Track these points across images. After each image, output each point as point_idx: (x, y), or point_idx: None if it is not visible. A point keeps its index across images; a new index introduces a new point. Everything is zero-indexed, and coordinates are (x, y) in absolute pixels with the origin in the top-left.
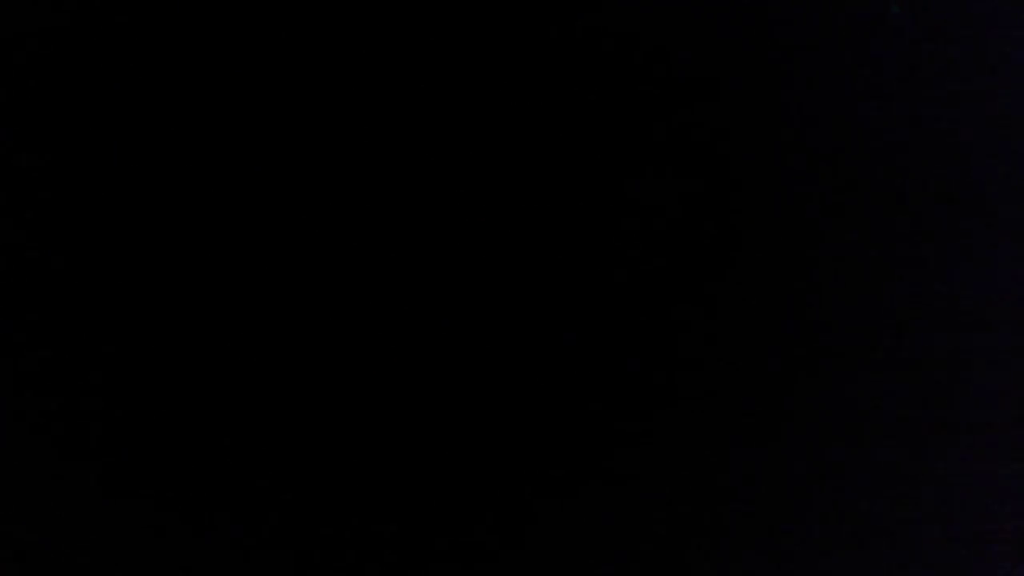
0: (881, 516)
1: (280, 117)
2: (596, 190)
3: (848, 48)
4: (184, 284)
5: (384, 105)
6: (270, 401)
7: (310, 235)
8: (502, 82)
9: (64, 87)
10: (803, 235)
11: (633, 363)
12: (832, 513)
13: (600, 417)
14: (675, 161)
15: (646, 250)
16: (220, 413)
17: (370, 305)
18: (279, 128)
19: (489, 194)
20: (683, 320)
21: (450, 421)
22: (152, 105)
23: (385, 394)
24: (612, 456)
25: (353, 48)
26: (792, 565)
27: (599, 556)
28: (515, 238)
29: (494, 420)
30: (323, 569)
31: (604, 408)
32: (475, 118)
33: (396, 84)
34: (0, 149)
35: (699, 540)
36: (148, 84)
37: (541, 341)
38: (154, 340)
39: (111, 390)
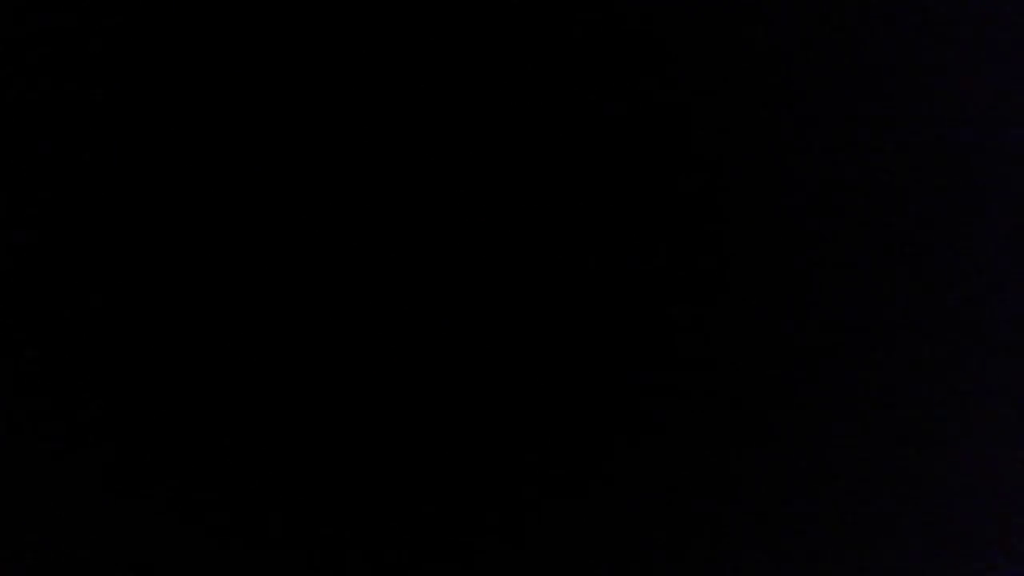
0: (881, 516)
1: (280, 118)
2: (596, 190)
3: (848, 48)
4: (184, 284)
5: (384, 105)
6: (270, 401)
7: (309, 235)
8: (501, 82)
9: (64, 87)
10: (802, 235)
11: (633, 363)
12: (832, 513)
13: (600, 417)
14: (675, 161)
15: (646, 250)
16: (220, 413)
17: (370, 305)
18: (279, 129)
19: (489, 194)
20: (683, 320)
21: (450, 421)
22: (152, 106)
23: (385, 394)
24: (612, 456)
25: (353, 48)
26: (792, 565)
27: (599, 556)
28: (516, 238)
29: (493, 420)
30: (323, 569)
31: (604, 408)
32: (474, 118)
33: (396, 84)
34: (0, 149)
35: (699, 540)
36: (148, 84)
37: (541, 341)
38: (154, 340)
39: (111, 390)
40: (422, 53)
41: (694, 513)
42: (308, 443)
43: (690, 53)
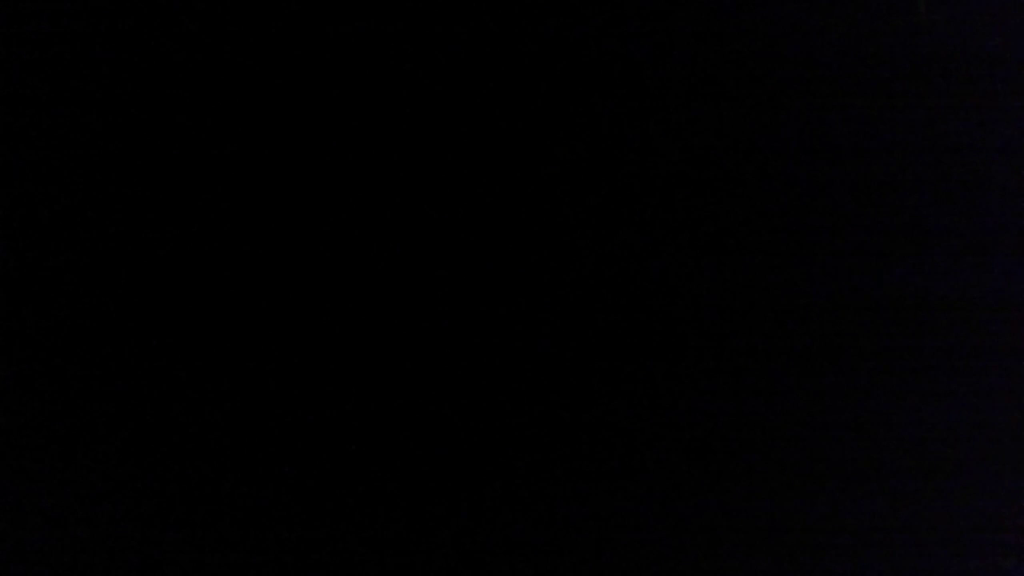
0: (880, 516)
1: (280, 118)
2: (596, 190)
3: (848, 48)
4: (184, 285)
5: (383, 105)
6: (271, 401)
7: (309, 237)
8: (501, 82)
9: (64, 87)
10: (802, 234)
11: (633, 363)
12: (832, 513)
13: (600, 417)
14: (674, 160)
15: (646, 250)
16: (220, 413)
17: (370, 306)
18: (279, 129)
19: (489, 194)
20: (683, 319)
21: (450, 422)
22: (152, 106)
23: (385, 395)
24: (611, 456)
25: (353, 48)
26: (792, 565)
27: (599, 556)
28: (517, 239)
29: (493, 420)
30: (323, 569)
31: (603, 408)
32: (473, 118)
33: (395, 84)
34: (0, 149)
35: (698, 540)
36: (148, 84)
37: (540, 341)
38: (154, 340)
39: (111, 390)
40: (422, 53)
41: (693, 513)
42: (308, 444)
43: (690, 53)
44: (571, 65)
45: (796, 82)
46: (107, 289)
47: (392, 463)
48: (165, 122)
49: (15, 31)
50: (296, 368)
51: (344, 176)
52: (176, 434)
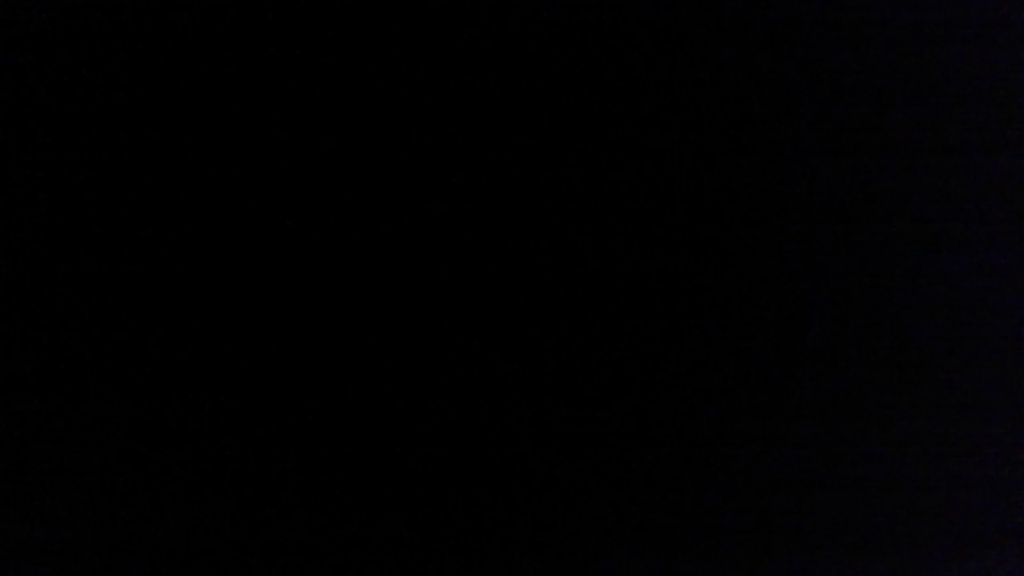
0: (881, 515)
1: (279, 118)
2: (596, 190)
3: (848, 48)
4: (184, 285)
5: (383, 106)
6: (271, 402)
7: (309, 236)
8: (500, 82)
9: (64, 87)
10: (802, 234)
11: (633, 362)
12: (832, 513)
13: (600, 418)
14: (674, 160)
15: (646, 249)
16: (220, 413)
17: (370, 306)
18: (278, 129)
19: (489, 194)
20: (683, 319)
21: (450, 423)
22: (151, 106)
23: (386, 395)
24: (611, 456)
25: (352, 48)
26: (792, 564)
27: (598, 556)
28: (518, 239)
29: (492, 421)
30: (323, 569)
31: (603, 409)
32: (472, 118)
33: (395, 84)
34: (0, 149)
35: (698, 540)
36: (148, 84)
37: (540, 341)
38: (154, 340)
39: (111, 390)
40: (422, 53)
41: (693, 513)
42: (309, 445)
43: (690, 52)
44: (571, 65)
45: (796, 82)
46: (106, 289)
47: (392, 463)
48: (164, 122)
49: (15, 31)
50: (295, 368)
51: (343, 176)
52: (176, 434)
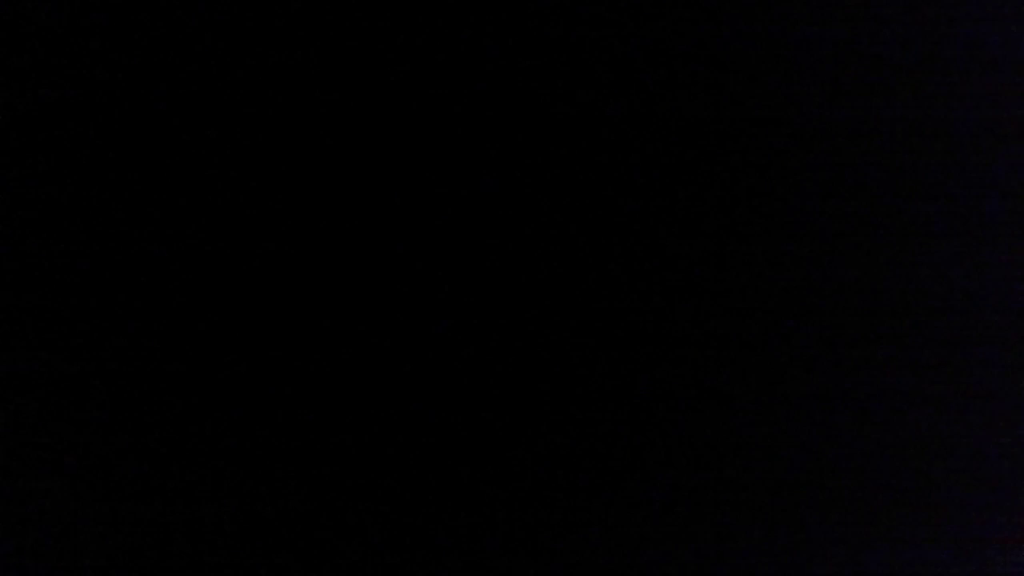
0: (880, 516)
1: (279, 118)
2: (596, 190)
3: (848, 48)
4: (183, 285)
5: (383, 106)
6: (271, 402)
7: (308, 236)
8: (501, 82)
9: (64, 88)
10: (802, 234)
11: (633, 362)
12: (832, 512)
13: (599, 417)
14: (674, 160)
15: (646, 248)
16: (220, 414)
17: (370, 307)
18: (278, 129)
19: (489, 194)
20: (683, 318)
21: (451, 423)
22: (151, 106)
23: (386, 396)
24: (611, 457)
25: (352, 48)
26: (792, 564)
27: (598, 556)
28: (519, 239)
29: (492, 421)
30: (323, 570)
31: (603, 408)
32: (471, 118)
33: (395, 84)
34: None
35: (698, 540)
36: (148, 84)
37: (539, 341)
38: (154, 341)
39: (110, 390)
40: (422, 53)
41: (693, 513)
42: (309, 445)
43: (689, 52)
44: (570, 64)
45: (796, 82)
46: (105, 289)
47: (392, 463)
48: (163, 121)
49: (15, 31)
50: (295, 368)
51: (342, 176)
52: (175, 434)
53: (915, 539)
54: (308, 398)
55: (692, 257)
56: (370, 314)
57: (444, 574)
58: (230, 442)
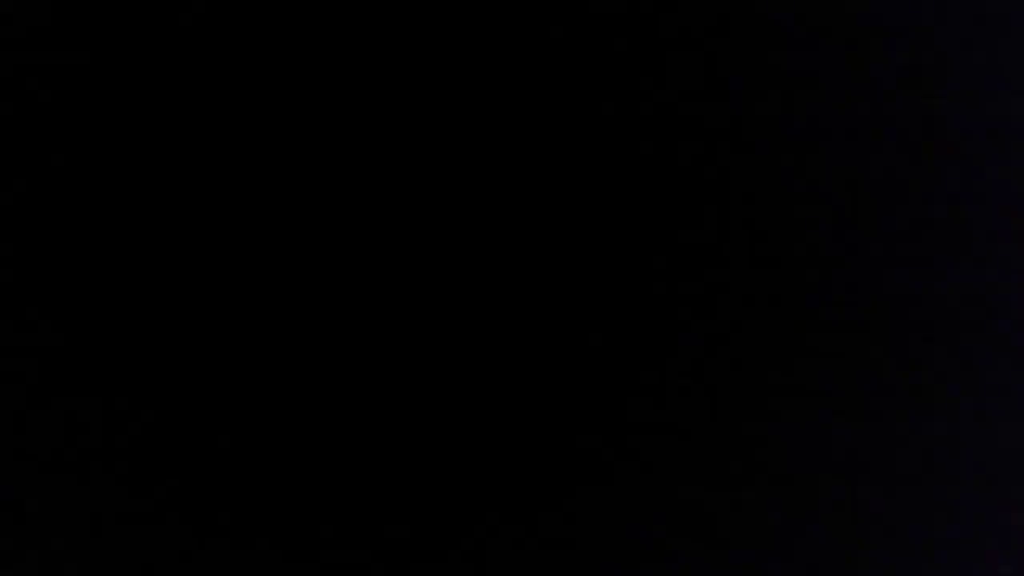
0: (882, 515)
1: (279, 118)
2: (597, 190)
3: (848, 48)
4: (184, 285)
5: (383, 106)
6: (272, 402)
7: (308, 236)
8: (501, 82)
9: (64, 87)
10: (802, 234)
11: (634, 362)
12: (833, 512)
13: (599, 418)
14: (674, 160)
15: (647, 248)
16: (220, 414)
17: (370, 307)
18: (278, 129)
19: (489, 194)
20: (684, 318)
21: (448, 423)
22: (151, 106)
23: (387, 396)
24: (611, 457)
25: (352, 48)
26: (793, 563)
27: (598, 556)
28: (520, 238)
29: (492, 421)
30: (324, 570)
31: (602, 409)
32: (472, 117)
33: (395, 84)
34: (1, 150)
35: (699, 540)
36: (148, 84)
37: (540, 342)
38: (154, 341)
39: (111, 390)
40: (422, 53)
41: (693, 513)
42: (310, 446)
43: (689, 52)
44: (570, 64)
45: (796, 82)
46: (107, 289)
47: (391, 464)
48: (163, 121)
49: (14, 31)
50: (296, 368)
51: (343, 176)
52: (175, 434)
53: (915, 542)
54: (308, 398)
55: (692, 257)
56: (370, 314)
57: (444, 574)
58: (230, 442)
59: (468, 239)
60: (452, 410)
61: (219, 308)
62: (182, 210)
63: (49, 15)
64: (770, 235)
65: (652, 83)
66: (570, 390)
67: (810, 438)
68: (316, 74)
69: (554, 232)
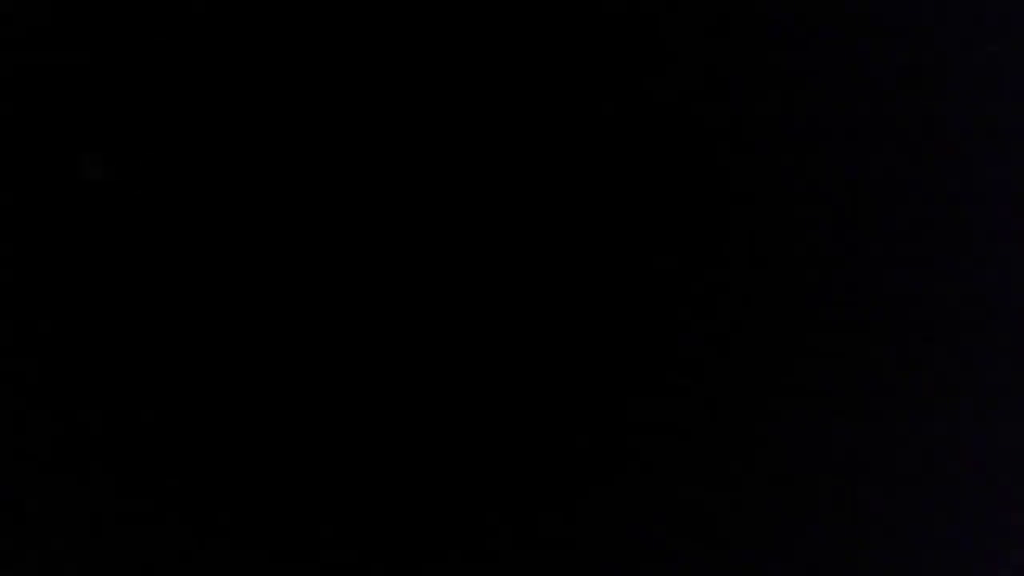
0: (882, 515)
1: (279, 118)
2: (597, 191)
3: (848, 48)
4: (184, 285)
5: (383, 106)
6: (271, 402)
7: (309, 236)
8: (500, 82)
9: (64, 87)
10: (803, 235)
11: (636, 362)
12: (833, 512)
13: (601, 418)
14: (674, 161)
15: (648, 248)
16: (220, 414)
17: (371, 307)
18: (278, 129)
19: (490, 194)
20: (685, 319)
21: (451, 423)
22: (150, 105)
23: (387, 396)
24: (611, 457)
25: (352, 48)
26: (794, 563)
27: (601, 556)
28: (520, 238)
29: (493, 421)
30: (324, 569)
31: (603, 409)
32: (472, 117)
33: (395, 84)
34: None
35: (699, 540)
36: (148, 84)
37: (541, 342)
38: (154, 340)
39: (110, 390)
40: (422, 53)
41: (694, 512)
42: (310, 446)
43: (690, 51)
44: (570, 64)
45: (796, 82)
46: (107, 289)
47: (391, 464)
48: (164, 120)
49: (14, 31)
50: (296, 368)
51: (343, 176)
52: (174, 434)
53: (915, 542)
54: (308, 397)
55: (692, 257)
56: (370, 313)
57: (444, 574)
58: (230, 442)
59: (468, 239)
60: (452, 410)
61: (219, 308)
62: (182, 210)
63: (49, 15)
64: (770, 235)
65: (652, 83)
66: (570, 390)
67: (810, 438)
68: (316, 74)
69: (554, 232)
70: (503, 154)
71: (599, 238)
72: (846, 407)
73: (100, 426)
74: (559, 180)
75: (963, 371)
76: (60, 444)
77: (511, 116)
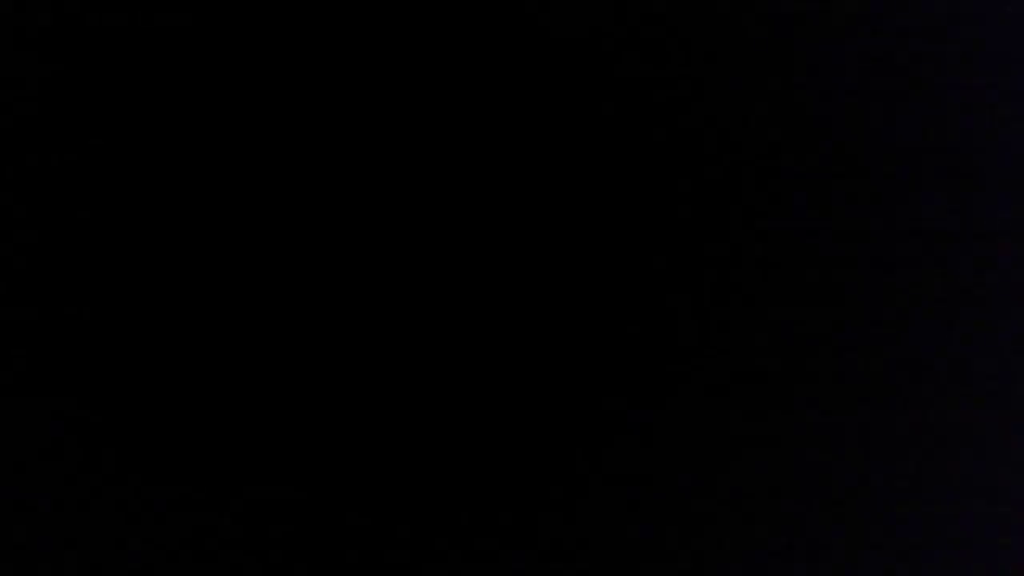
0: (882, 515)
1: (279, 118)
2: (597, 190)
3: (847, 48)
4: (184, 285)
5: (383, 106)
6: (271, 402)
7: (309, 236)
8: (500, 82)
9: (64, 87)
10: (803, 235)
11: (636, 362)
12: (833, 513)
13: (599, 418)
14: (675, 161)
15: (648, 249)
16: (220, 413)
17: (371, 307)
18: (278, 129)
19: (489, 194)
20: (685, 319)
21: (451, 423)
22: (150, 105)
23: (387, 396)
24: (611, 456)
25: (352, 48)
26: (793, 563)
27: (601, 556)
28: (520, 238)
29: (493, 421)
30: (324, 570)
31: (603, 409)
32: (472, 118)
33: (395, 84)
34: (1, 150)
35: (700, 540)
36: (148, 84)
37: (540, 341)
38: (154, 340)
39: (111, 390)
40: (422, 53)
41: (693, 512)
42: (311, 446)
43: (690, 51)
44: (570, 64)
45: (797, 83)
46: (107, 289)
47: (391, 464)
48: (163, 121)
49: (14, 31)
50: (296, 368)
51: (344, 176)
52: (175, 434)
53: (915, 543)
54: (309, 397)
55: (692, 256)
56: (369, 313)
57: (444, 574)
58: (230, 442)
59: (469, 238)
60: (452, 411)
61: (219, 308)
62: (182, 210)
63: (49, 15)
64: (770, 235)
65: (652, 83)
66: (570, 390)
67: (810, 438)
68: (316, 74)
69: (555, 232)
70: (503, 154)
71: (600, 238)
72: (847, 406)
73: (100, 426)
74: (559, 180)
75: (963, 371)
76: (60, 444)
77: (511, 116)
